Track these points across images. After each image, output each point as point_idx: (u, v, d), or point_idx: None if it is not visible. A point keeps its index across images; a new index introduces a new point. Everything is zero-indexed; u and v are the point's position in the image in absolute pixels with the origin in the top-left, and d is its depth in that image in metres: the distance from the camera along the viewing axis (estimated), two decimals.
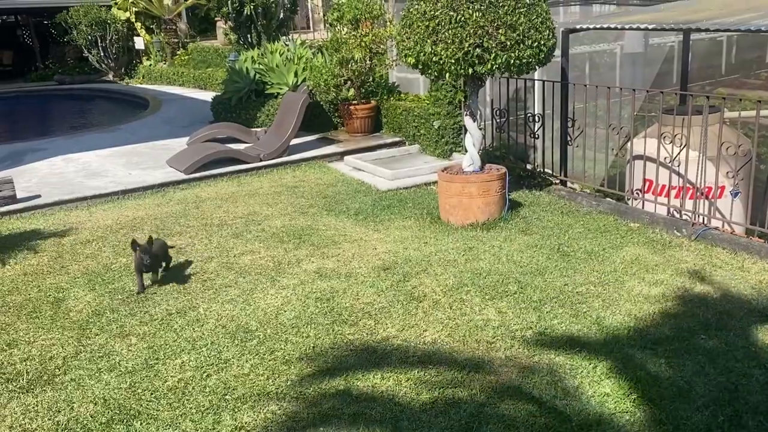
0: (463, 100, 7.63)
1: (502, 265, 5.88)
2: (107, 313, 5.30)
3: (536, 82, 8.43)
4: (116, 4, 21.31)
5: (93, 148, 10.92)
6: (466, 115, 7.12)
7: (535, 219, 7.04)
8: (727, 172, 6.25)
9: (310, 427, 3.75)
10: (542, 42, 6.55)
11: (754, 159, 6.15)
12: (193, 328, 5.00)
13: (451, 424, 3.71)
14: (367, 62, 10.54)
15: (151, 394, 4.16)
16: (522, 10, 6.40)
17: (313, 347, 4.63)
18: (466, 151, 7.17)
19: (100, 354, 4.68)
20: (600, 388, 3.96)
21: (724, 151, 6.20)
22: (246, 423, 3.81)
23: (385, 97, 10.65)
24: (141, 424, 3.85)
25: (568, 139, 7.75)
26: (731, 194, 6.89)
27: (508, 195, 7.23)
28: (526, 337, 4.61)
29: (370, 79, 10.76)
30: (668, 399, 3.80)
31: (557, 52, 7.23)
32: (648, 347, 4.38)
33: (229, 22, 14.79)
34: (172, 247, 6.32)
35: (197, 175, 9.04)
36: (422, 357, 4.43)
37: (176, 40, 21.18)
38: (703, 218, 6.50)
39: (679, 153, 6.46)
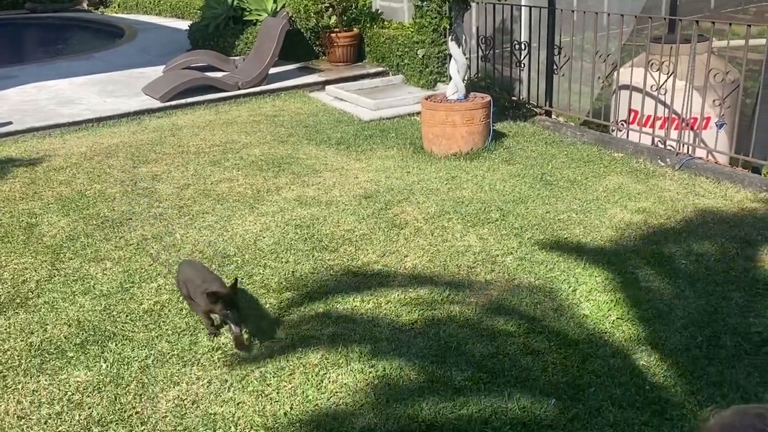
0: (448, 27, 7.44)
1: (484, 194, 5.83)
2: (81, 238, 5.21)
3: (523, 8, 8.22)
4: None
5: (66, 76, 10.60)
6: (451, 40, 6.95)
7: (519, 149, 6.97)
8: (714, 100, 6.18)
9: (289, 348, 3.73)
10: None
11: (742, 84, 6.08)
12: (170, 253, 4.93)
13: (430, 344, 3.70)
14: None
15: (127, 316, 4.12)
16: None
17: (293, 272, 4.59)
18: (451, 79, 7.03)
19: (75, 278, 4.61)
20: (579, 310, 3.97)
21: (712, 79, 6.12)
22: (223, 343, 3.78)
23: (368, 25, 10.38)
24: (116, 344, 3.82)
25: (554, 68, 7.62)
26: (716, 125, 6.84)
27: (493, 125, 7.14)
28: (507, 263, 4.60)
29: (353, 6, 10.46)
30: (647, 321, 3.82)
31: None
32: (628, 271, 4.38)
33: None
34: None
35: (173, 103, 8.83)
36: (403, 281, 4.40)
37: None
38: (688, 148, 6.46)
39: (665, 81, 6.37)
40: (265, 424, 3.14)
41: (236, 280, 3.79)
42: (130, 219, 5.57)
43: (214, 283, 3.75)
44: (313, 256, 4.80)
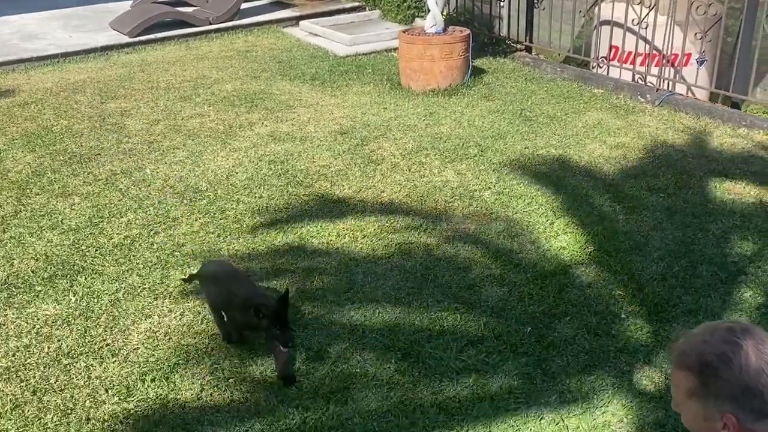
0: None
1: (463, 130, 5.75)
2: (48, 174, 5.07)
3: None
4: None
5: (29, 10, 10.21)
6: None
7: (498, 85, 6.88)
8: (695, 34, 6.11)
9: (263, 281, 3.68)
10: None
11: (723, 20, 6.01)
12: (140, 188, 4.83)
13: (406, 276, 3.68)
14: None
15: (96, 250, 4.03)
16: None
17: (266, 207, 4.52)
18: (429, 11, 6.86)
19: (42, 213, 4.50)
20: (556, 242, 3.96)
21: (694, 12, 6.03)
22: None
23: None
24: (85, 278, 3.74)
25: (535, 2, 7.47)
26: (697, 62, 6.78)
27: (472, 61, 7.01)
28: (485, 197, 4.56)
29: None
30: (625, 252, 3.82)
31: None
32: (606, 205, 4.37)
33: None
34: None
35: (142, 38, 8.55)
36: (379, 216, 4.35)
37: None
38: (668, 84, 6.41)
39: (647, 14, 6.27)
40: (238, 354, 3.11)
41: (287, 291, 2.97)
42: (99, 154, 5.43)
43: (256, 292, 3.17)
44: (287, 192, 4.73)
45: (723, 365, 1.49)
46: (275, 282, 3.66)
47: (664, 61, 6.42)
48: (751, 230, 3.99)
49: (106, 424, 2.70)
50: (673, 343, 1.67)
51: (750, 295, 3.39)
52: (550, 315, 3.34)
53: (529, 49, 7.80)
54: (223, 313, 3.22)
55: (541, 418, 2.66)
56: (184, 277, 3.66)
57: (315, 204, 4.55)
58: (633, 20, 6.42)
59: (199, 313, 3.41)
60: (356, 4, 9.79)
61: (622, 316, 3.30)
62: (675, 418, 1.71)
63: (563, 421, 2.64)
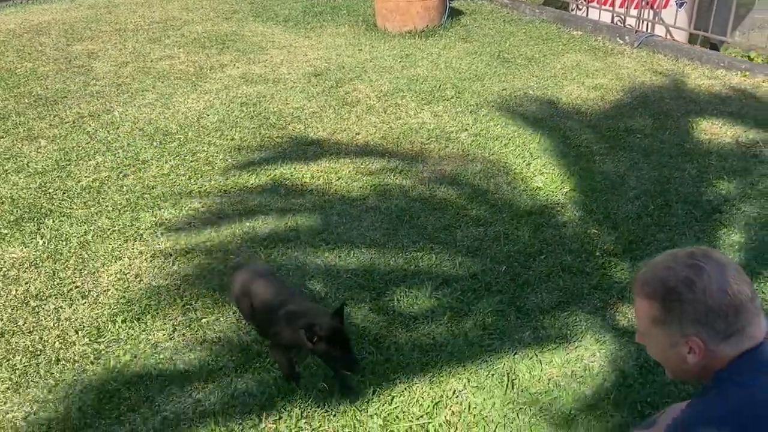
0: None
1: (439, 72, 5.68)
2: (13, 117, 4.94)
3: None
4: None
5: None
6: None
7: (476, 27, 6.78)
8: None
9: (236, 222, 3.64)
10: None
11: None
12: (108, 131, 4.72)
13: (382, 218, 3.66)
14: None
15: (64, 193, 3.95)
16: None
17: (239, 149, 4.45)
18: None
19: (6, 156, 4.39)
20: (533, 183, 3.95)
21: None
22: (167, 219, 3.67)
23: None
24: (53, 221, 3.67)
25: None
26: (676, 3, 6.72)
27: (449, 2, 6.89)
28: (461, 139, 4.52)
29: None
30: (601, 192, 3.82)
31: None
32: (583, 146, 4.35)
33: None
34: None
35: None
36: (354, 158, 4.30)
37: None
38: (647, 25, 6.35)
39: None
40: (211, 295, 3.08)
41: (342, 306, 2.41)
42: (65, 97, 5.29)
43: (306, 306, 2.60)
44: (260, 134, 4.65)
45: (686, 289, 1.51)
46: (248, 224, 3.61)
47: (643, 3, 6.35)
48: (726, 170, 4.01)
49: (76, 364, 2.68)
50: (636, 274, 1.68)
51: (724, 233, 3.41)
52: (525, 254, 3.34)
53: None
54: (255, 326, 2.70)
55: (515, 354, 2.68)
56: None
57: (288, 146, 4.48)
58: None
59: (170, 255, 3.37)
60: None
61: (597, 254, 3.31)
62: (645, 351, 1.74)
63: (537, 356, 2.66)
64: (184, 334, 2.85)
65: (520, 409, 2.40)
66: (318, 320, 2.32)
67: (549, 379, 2.55)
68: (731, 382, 1.48)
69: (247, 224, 3.62)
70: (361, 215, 3.70)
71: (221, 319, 2.92)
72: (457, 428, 2.32)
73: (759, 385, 1.45)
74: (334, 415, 2.38)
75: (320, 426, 2.34)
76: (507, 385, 2.51)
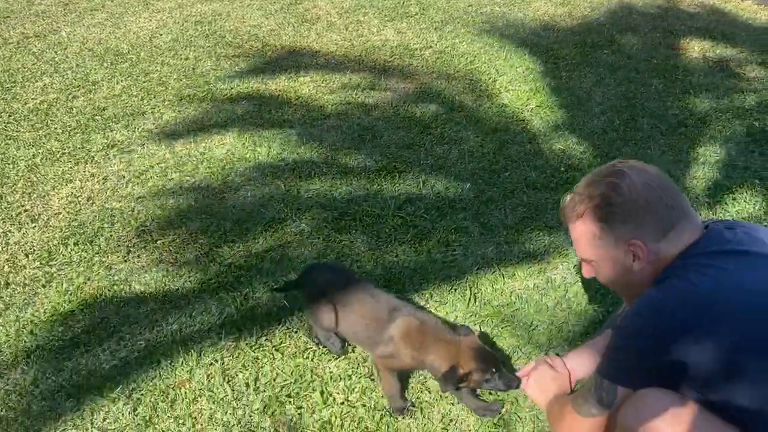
0: None
1: None
2: None
3: None
4: None
5: None
6: None
7: None
8: None
9: (191, 143, 3.53)
10: None
11: None
12: (55, 52, 4.51)
13: (344, 137, 3.58)
14: None
15: (9, 116, 3.79)
16: None
17: (193, 69, 4.29)
18: None
19: None
20: (499, 99, 3.89)
21: None
22: (119, 141, 3.55)
23: None
24: None
25: None
26: None
27: None
28: (426, 56, 4.42)
29: None
30: (566, 108, 3.78)
31: None
32: (550, 62, 4.28)
33: None
34: None
35: None
36: (314, 76, 4.18)
37: None
38: None
39: None
40: (167, 216, 3.01)
41: (485, 335, 2.23)
42: (8, 17, 5.03)
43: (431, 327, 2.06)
44: (215, 53, 4.49)
45: (613, 192, 1.56)
46: (204, 144, 3.50)
47: None
48: (693, 85, 3.98)
49: (27, 288, 2.60)
50: (562, 206, 1.71)
51: (689, 146, 3.41)
52: (489, 171, 3.30)
53: None
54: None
55: (478, 269, 2.67)
56: (276, 285, 2.53)
57: (246, 65, 4.34)
58: None
59: (124, 177, 3.27)
60: None
61: (562, 169, 3.29)
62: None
63: (499, 270, 2.65)
64: (139, 256, 2.78)
65: (483, 321, 2.40)
66: (452, 353, 1.95)
67: (511, 292, 2.55)
68: (672, 276, 1.50)
69: (203, 145, 3.52)
70: (323, 135, 3.62)
71: (177, 240, 2.85)
72: None
73: (697, 276, 1.47)
74: (296, 332, 2.36)
75: (281, 342, 2.31)
76: (469, 299, 2.51)
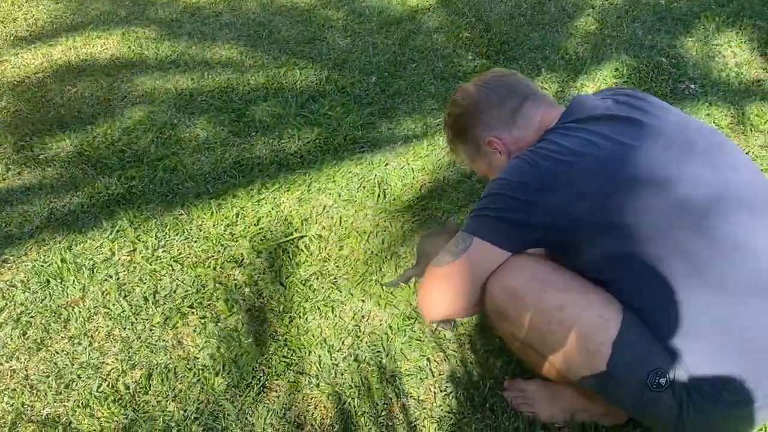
0: None
1: None
2: None
3: None
4: None
5: None
6: None
7: None
8: None
9: (71, 49, 3.27)
10: None
11: None
12: None
13: (238, 34, 3.39)
14: None
15: None
16: None
17: None
18: None
19: None
20: None
21: None
22: None
23: None
24: None
25: None
26: None
27: None
28: None
29: None
30: None
31: None
32: None
33: None
34: None
35: None
36: None
37: None
38: None
39: None
40: (47, 130, 2.80)
41: None
42: None
43: None
44: None
45: (453, 107, 1.72)
46: (85, 50, 3.26)
47: None
48: None
49: None
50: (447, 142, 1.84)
51: (596, 28, 3.38)
52: (395, 63, 3.20)
53: None
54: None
55: (386, 165, 2.61)
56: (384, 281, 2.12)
57: None
58: None
59: None
60: None
61: (470, 57, 3.21)
62: None
63: (408, 164, 2.60)
64: (20, 173, 2.59)
65: (393, 217, 2.36)
66: None
67: (421, 186, 2.51)
68: (534, 147, 1.50)
69: (84, 51, 3.27)
70: (215, 33, 3.42)
71: (61, 154, 2.67)
72: (328, 242, 2.26)
73: (557, 137, 1.48)
74: (196, 241, 2.27)
75: (180, 253, 2.22)
76: (378, 196, 2.46)
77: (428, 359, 1.87)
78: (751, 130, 2.65)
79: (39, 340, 1.96)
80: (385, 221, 2.34)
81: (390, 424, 1.72)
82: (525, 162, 1.46)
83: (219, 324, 1.98)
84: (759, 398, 1.31)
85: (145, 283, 2.11)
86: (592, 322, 1.36)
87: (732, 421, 1.35)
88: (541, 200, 1.41)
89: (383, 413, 1.74)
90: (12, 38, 3.34)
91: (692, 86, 2.92)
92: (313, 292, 2.08)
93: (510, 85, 1.66)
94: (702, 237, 1.31)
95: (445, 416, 1.73)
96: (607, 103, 1.54)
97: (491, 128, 1.64)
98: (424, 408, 1.75)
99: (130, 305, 2.04)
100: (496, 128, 1.64)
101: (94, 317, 2.02)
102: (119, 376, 1.85)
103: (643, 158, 1.39)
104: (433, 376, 1.83)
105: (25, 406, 1.78)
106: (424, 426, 1.71)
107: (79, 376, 1.85)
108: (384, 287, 2.07)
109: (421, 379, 1.83)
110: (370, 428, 1.71)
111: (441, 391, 1.79)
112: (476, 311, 1.58)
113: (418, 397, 1.78)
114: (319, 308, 2.03)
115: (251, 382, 1.82)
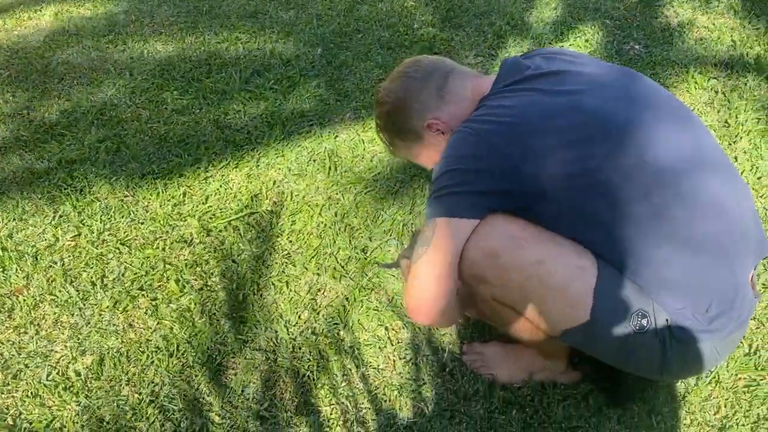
0: None
1: None
2: None
3: None
4: None
5: None
6: None
7: None
8: None
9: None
10: None
11: None
12: None
13: (177, 11, 3.33)
14: None
15: None
16: None
17: None
18: None
19: None
20: None
21: None
22: None
23: None
24: None
25: None
26: None
27: None
28: None
29: None
30: None
31: None
32: None
33: None
34: None
35: None
36: None
37: None
38: None
39: None
40: None
41: None
42: None
43: None
44: None
45: (379, 108, 1.66)
46: (14, 30, 3.16)
47: None
48: None
49: None
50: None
51: None
52: (341, 34, 3.17)
53: None
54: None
55: (336, 137, 2.59)
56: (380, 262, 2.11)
57: None
58: None
59: None
60: None
61: (416, 26, 3.21)
62: None
63: (358, 135, 2.59)
64: None
65: (345, 189, 2.35)
66: None
67: (372, 157, 2.50)
68: (472, 116, 1.49)
69: (16, 33, 3.17)
70: (153, 10, 3.35)
71: None
72: (279, 216, 2.24)
73: (497, 100, 1.47)
74: (142, 223, 2.23)
75: (127, 235, 2.18)
76: (329, 168, 2.44)
77: (386, 328, 1.88)
78: (695, 88, 2.70)
79: None
80: (336, 194, 2.33)
81: (350, 394, 1.72)
82: (464, 133, 1.44)
83: (171, 305, 1.95)
84: (734, 320, 1.37)
85: (92, 268, 2.07)
86: (572, 272, 1.37)
87: (712, 346, 1.39)
88: (488, 166, 1.39)
89: (342, 384, 1.75)
90: None
91: (637, 47, 2.96)
92: (267, 268, 2.06)
93: (427, 67, 1.62)
94: (664, 187, 1.34)
95: (405, 383, 1.74)
96: (537, 62, 1.53)
97: (424, 113, 1.59)
98: (384, 377, 1.76)
99: (78, 291, 2.00)
100: (428, 110, 1.59)
101: (40, 305, 1.97)
102: (69, 363, 1.82)
103: (590, 104, 1.40)
104: (392, 345, 1.84)
105: None
106: (384, 394, 1.72)
107: (27, 366, 1.81)
108: (380, 268, 2.06)
109: (379, 348, 1.83)
110: (330, 400, 1.71)
111: (400, 359, 1.80)
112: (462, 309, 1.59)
113: (378, 366, 1.79)
114: (273, 284, 2.02)
115: (206, 362, 1.81)
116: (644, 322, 1.35)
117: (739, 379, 1.75)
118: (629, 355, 1.41)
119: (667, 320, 1.35)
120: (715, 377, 1.75)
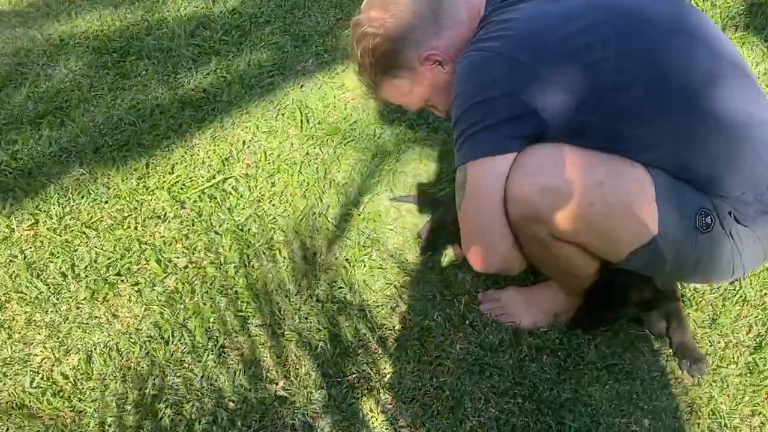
0: None
1: None
2: None
3: None
4: None
5: None
6: None
7: None
8: None
9: None
10: None
11: None
12: None
13: None
14: None
15: None
16: None
17: None
18: None
19: None
20: None
21: None
22: None
23: None
24: None
25: None
26: None
27: None
28: None
29: None
30: None
31: None
32: None
33: None
34: None
35: None
36: None
37: None
38: None
39: None
40: None
41: None
42: None
43: None
44: None
45: (366, 41, 1.50)
46: None
47: None
48: None
49: None
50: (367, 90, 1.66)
51: None
52: None
53: None
54: None
55: (302, 86, 2.45)
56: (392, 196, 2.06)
57: None
58: None
59: None
60: None
61: None
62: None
63: (326, 83, 2.45)
64: None
65: (322, 142, 2.22)
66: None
67: (344, 105, 2.37)
68: (475, 39, 1.39)
69: None
70: None
71: None
72: (257, 179, 2.10)
73: (503, 16, 1.37)
74: (106, 202, 2.06)
75: (92, 218, 2.01)
76: (301, 122, 2.30)
77: (395, 286, 1.79)
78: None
79: None
80: (314, 148, 2.20)
81: (370, 360, 1.63)
82: (473, 58, 1.33)
83: (156, 288, 1.81)
84: None
85: (58, 258, 1.90)
86: (631, 186, 1.28)
87: None
88: (513, 88, 1.29)
89: (360, 351, 1.65)
90: None
91: None
92: (254, 236, 1.94)
93: None
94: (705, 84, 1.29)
95: (427, 340, 1.66)
96: None
97: (421, 42, 1.46)
98: (402, 337, 1.67)
99: (47, 285, 1.83)
100: (425, 40, 1.46)
101: (7, 305, 1.80)
102: (53, 365, 1.66)
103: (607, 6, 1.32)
104: (404, 303, 1.75)
105: None
106: (407, 356, 1.63)
107: (5, 374, 1.65)
108: (394, 202, 1.99)
109: (391, 308, 1.74)
110: (350, 369, 1.62)
111: (417, 316, 1.71)
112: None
113: (394, 327, 1.70)
114: (264, 252, 1.89)
115: (207, 345, 1.68)
116: (708, 219, 1.29)
117: (765, 295, 1.73)
118: (698, 263, 1.35)
119: (730, 212, 1.30)
120: (742, 296, 1.72)
